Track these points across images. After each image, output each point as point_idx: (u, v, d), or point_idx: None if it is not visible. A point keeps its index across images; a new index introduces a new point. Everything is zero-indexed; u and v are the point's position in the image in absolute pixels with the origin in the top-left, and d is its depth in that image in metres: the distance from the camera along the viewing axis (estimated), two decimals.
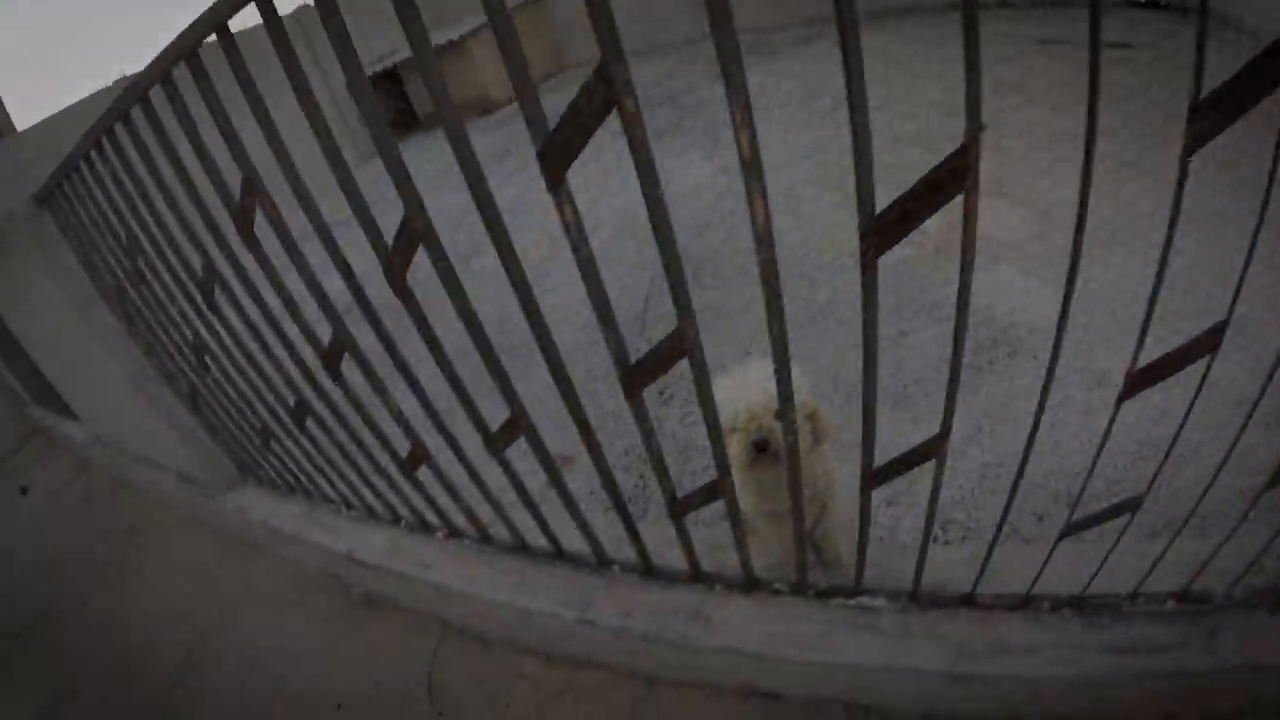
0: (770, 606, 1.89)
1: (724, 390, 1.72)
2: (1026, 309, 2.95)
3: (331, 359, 1.92)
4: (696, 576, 2.04)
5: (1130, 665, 1.36)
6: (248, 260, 1.81)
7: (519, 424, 1.73)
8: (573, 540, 2.21)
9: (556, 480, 1.87)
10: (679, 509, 1.81)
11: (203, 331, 2.47)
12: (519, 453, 1.90)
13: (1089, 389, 2.34)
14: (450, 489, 2.25)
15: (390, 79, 11.94)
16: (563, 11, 11.86)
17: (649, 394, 1.84)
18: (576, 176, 1.10)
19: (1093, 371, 2.41)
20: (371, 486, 2.55)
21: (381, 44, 11.49)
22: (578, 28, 11.69)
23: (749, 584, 1.95)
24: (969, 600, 1.60)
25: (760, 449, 1.72)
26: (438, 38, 10.82)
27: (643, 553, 2.07)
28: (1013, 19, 6.45)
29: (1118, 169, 3.49)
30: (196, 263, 2.14)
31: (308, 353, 2.01)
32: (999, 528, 1.41)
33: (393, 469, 2.35)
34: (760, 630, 1.79)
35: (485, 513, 2.25)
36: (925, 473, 1.43)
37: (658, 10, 10.47)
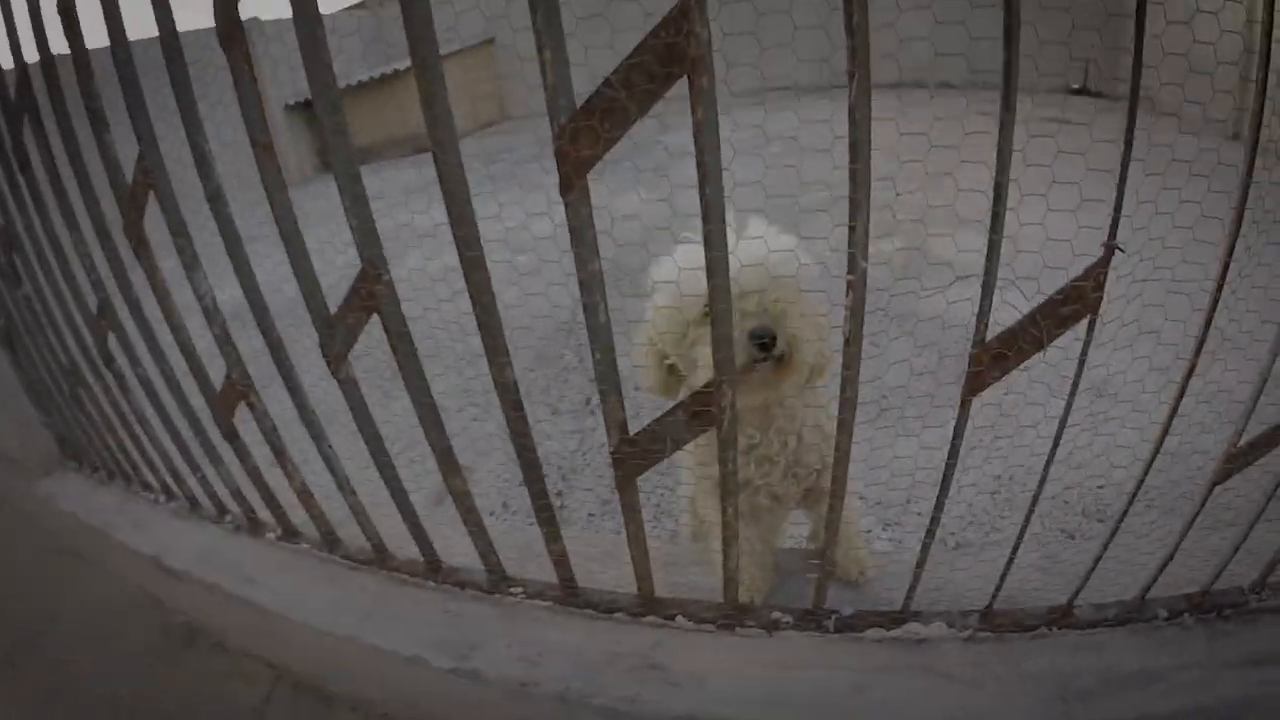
0: (768, 648, 1.18)
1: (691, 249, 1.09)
2: (1007, 323, 2.81)
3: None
4: (648, 603, 1.25)
5: (1273, 679, 1.11)
6: None
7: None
8: (465, 550, 1.42)
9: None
10: (626, 454, 1.04)
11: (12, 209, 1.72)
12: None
13: (1090, 400, 2.45)
14: (279, 452, 1.46)
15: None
16: (506, 62, 11.52)
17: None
18: (506, 191, 1.78)
19: (1090, 381, 2.51)
20: (185, 454, 1.75)
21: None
22: (519, 79, 11.39)
23: (731, 613, 1.17)
24: (1065, 615, 1.21)
25: (763, 346, 1.01)
26: (376, 71, 10.53)
27: (563, 561, 1.28)
28: (951, 97, 6.59)
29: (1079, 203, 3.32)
30: None
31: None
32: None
33: (211, 423, 1.58)
34: (756, 685, 1.20)
35: (339, 509, 1.58)
36: (924, 488, 1.42)
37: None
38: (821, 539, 1.16)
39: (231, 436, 1.57)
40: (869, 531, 2.31)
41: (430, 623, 1.45)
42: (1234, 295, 1.05)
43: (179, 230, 1.31)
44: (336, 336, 1.20)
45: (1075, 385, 1.02)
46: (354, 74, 10.75)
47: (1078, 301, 0.92)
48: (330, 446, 1.43)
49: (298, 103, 10.60)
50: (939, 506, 1.12)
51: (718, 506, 1.13)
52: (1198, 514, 1.14)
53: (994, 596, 1.21)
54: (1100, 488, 2.41)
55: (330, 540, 1.62)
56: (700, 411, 1.00)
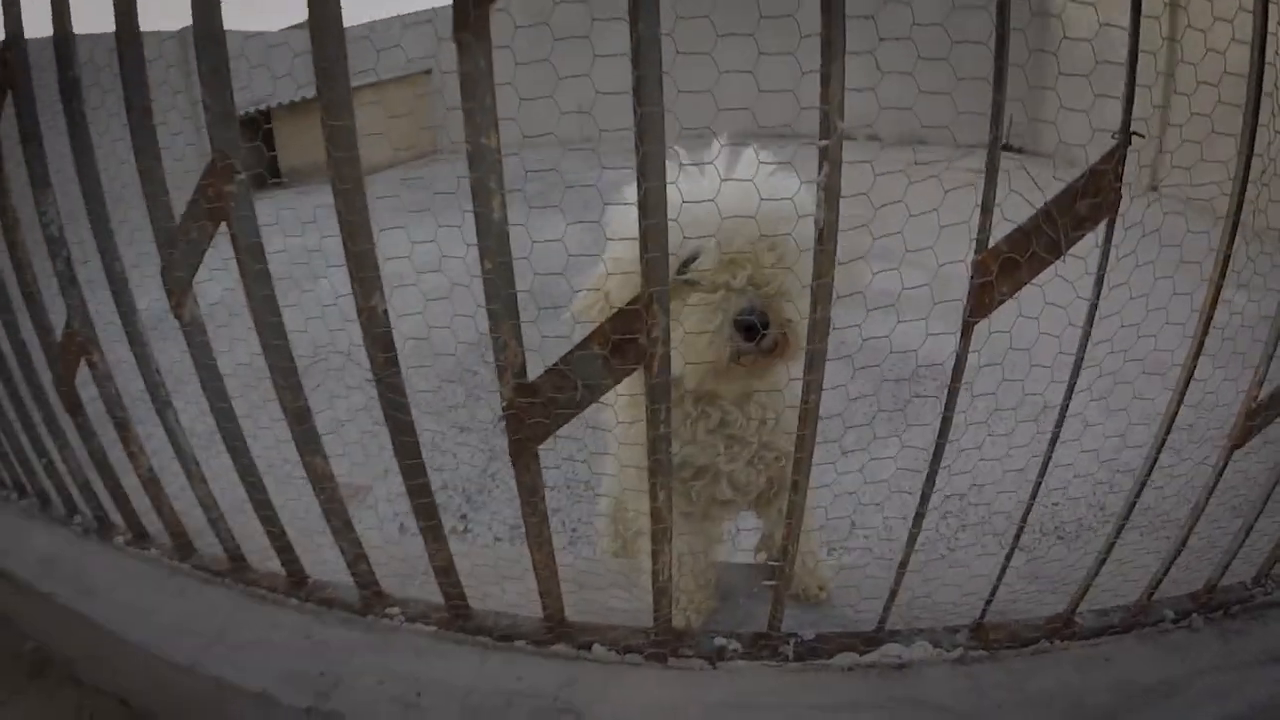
0: (711, 683, 0.94)
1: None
2: (941, 351, 2.98)
3: None
4: (556, 628, 0.96)
5: None
6: None
7: None
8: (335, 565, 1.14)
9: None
10: (522, 408, 0.78)
11: None
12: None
13: (1034, 419, 2.37)
14: (121, 426, 1.18)
15: (256, 125, 10.93)
16: (449, 95, 11.58)
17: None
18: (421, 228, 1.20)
19: (1033, 402, 2.46)
20: (30, 433, 1.46)
21: (263, 86, 10.77)
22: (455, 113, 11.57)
23: (664, 640, 0.89)
24: (1066, 625, 1.08)
25: (751, 332, 0.86)
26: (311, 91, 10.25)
27: (448, 573, 1.00)
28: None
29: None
30: None
31: None
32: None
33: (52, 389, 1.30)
34: None
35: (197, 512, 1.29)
36: (867, 513, 1.58)
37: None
38: (777, 544, 0.89)
39: (74, 408, 1.29)
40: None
41: (288, 650, 1.15)
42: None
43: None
44: (177, 256, 0.94)
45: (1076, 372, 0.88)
46: (292, 93, 10.38)
47: (1096, 195, 0.77)
48: (178, 420, 1.15)
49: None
50: (924, 500, 0.94)
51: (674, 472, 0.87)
52: (1214, 486, 1.04)
53: (986, 605, 1.02)
54: (1055, 504, 2.53)
55: (182, 546, 1.31)
56: (624, 342, 0.74)
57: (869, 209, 0.92)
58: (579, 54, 1.01)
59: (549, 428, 0.81)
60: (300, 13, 0.80)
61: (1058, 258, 0.79)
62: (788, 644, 0.99)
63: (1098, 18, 1.02)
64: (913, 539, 0.94)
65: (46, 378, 1.36)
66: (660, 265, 0.74)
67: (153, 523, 1.41)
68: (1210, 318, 0.90)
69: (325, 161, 0.80)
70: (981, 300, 0.80)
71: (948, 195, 0.99)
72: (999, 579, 1.02)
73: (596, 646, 1.00)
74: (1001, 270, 0.79)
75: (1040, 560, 1.38)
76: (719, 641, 1.00)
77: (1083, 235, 0.79)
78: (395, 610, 1.11)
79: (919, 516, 0.98)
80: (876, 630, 1.02)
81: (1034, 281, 0.82)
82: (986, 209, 0.79)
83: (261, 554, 1.28)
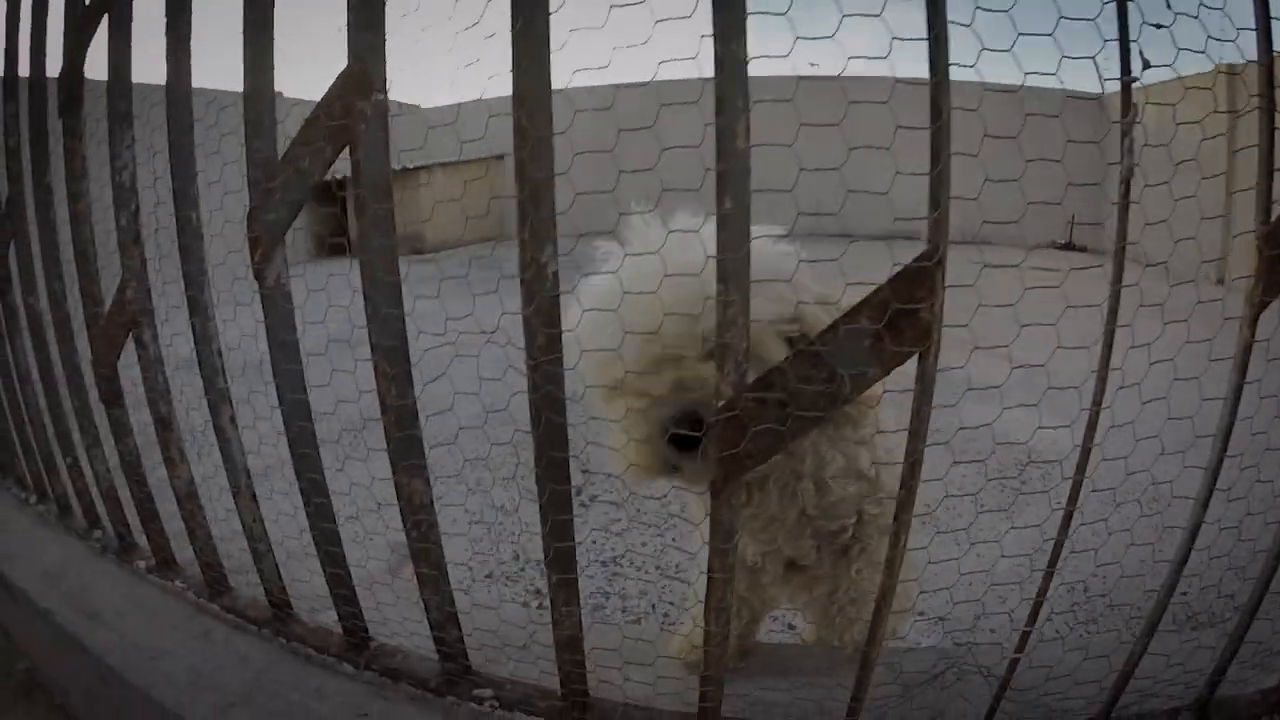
0: None
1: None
2: (1042, 438, 3.04)
3: None
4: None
5: None
6: None
7: None
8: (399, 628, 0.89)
9: None
10: (748, 409, 0.52)
11: None
12: None
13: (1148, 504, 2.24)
14: (164, 424, 0.95)
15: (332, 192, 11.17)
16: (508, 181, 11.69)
17: None
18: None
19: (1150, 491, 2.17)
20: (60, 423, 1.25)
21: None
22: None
23: None
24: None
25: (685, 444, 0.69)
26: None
27: (571, 647, 0.73)
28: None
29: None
30: None
31: None
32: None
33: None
34: None
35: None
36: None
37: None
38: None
39: (112, 397, 1.07)
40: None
41: None
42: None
43: None
44: (274, 193, 0.72)
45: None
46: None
47: None
48: (234, 421, 0.92)
49: None
50: (1042, 592, 0.64)
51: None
52: None
53: (1216, 679, 0.83)
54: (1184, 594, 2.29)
55: (214, 581, 1.06)
56: (906, 314, 0.49)
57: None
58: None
59: (778, 443, 0.55)
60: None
61: None
62: None
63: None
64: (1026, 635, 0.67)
65: (86, 359, 1.15)
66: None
67: (184, 549, 1.17)
68: None
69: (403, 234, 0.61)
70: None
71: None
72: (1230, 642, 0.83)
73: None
74: None
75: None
76: None
77: None
78: (487, 693, 0.83)
79: (1036, 609, 0.79)
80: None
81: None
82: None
83: (310, 602, 1.03)
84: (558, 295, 0.61)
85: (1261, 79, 0.73)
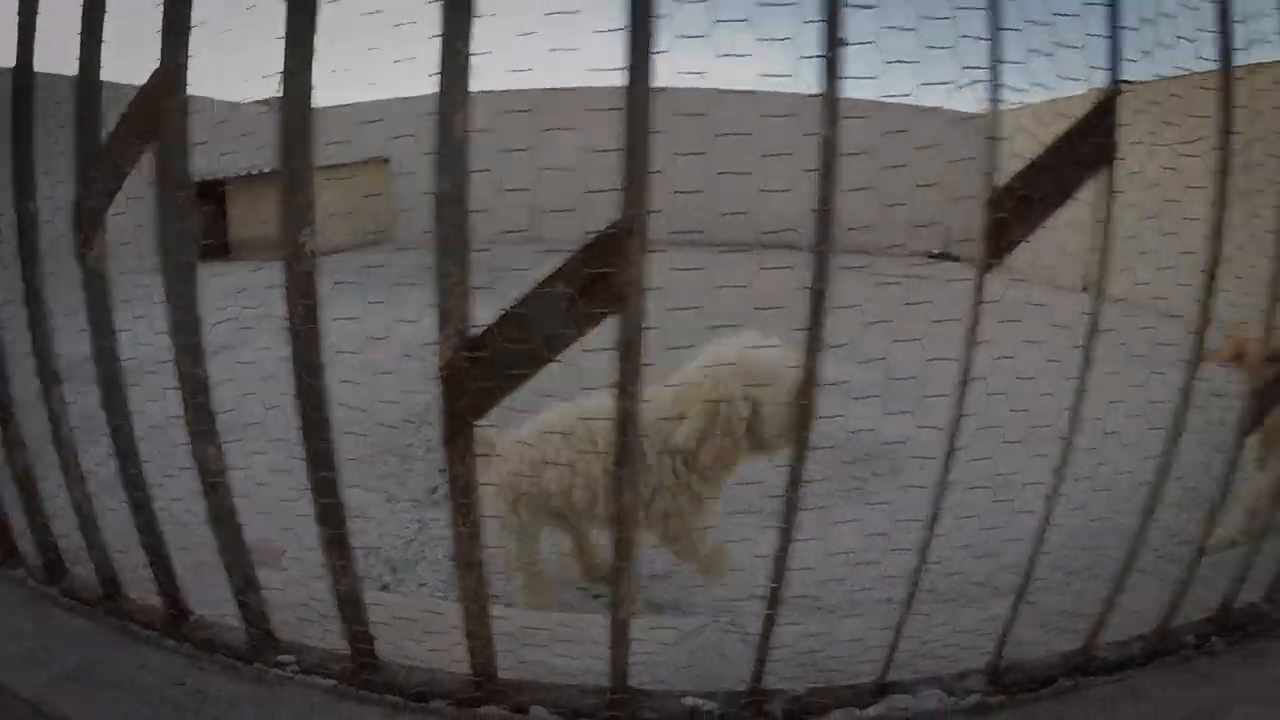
0: None
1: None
2: (889, 432, 3.17)
3: None
4: (485, 687, 0.76)
5: None
6: None
7: None
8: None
9: None
10: (462, 367, 0.61)
11: None
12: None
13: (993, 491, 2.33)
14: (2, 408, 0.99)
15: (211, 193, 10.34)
16: (404, 186, 11.26)
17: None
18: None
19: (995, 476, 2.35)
20: None
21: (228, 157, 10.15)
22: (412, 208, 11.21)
23: (619, 702, 0.72)
24: (1087, 659, 1.00)
25: None
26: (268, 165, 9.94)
27: (353, 604, 0.80)
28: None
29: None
30: None
31: None
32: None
33: None
34: None
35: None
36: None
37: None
38: None
39: None
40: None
41: (155, 697, 0.92)
42: None
43: None
44: (95, 180, 0.78)
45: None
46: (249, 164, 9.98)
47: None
48: (63, 402, 0.96)
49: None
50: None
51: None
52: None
53: (1001, 644, 0.93)
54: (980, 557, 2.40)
55: (51, 565, 1.09)
56: (598, 278, 0.58)
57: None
58: None
59: (494, 395, 0.63)
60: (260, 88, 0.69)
61: (1067, 199, 0.76)
62: (774, 701, 0.79)
63: None
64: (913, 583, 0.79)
65: None
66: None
67: (29, 544, 1.20)
68: None
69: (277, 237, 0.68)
70: (1000, 242, 0.76)
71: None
72: (1013, 612, 0.94)
73: (536, 709, 0.78)
74: (1019, 207, 0.74)
75: (1042, 608, 1.29)
76: (690, 702, 0.79)
77: (1089, 177, 0.76)
78: (288, 658, 0.89)
79: (920, 562, 0.92)
80: (879, 681, 0.86)
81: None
82: None
83: (145, 585, 1.07)
84: (313, 271, 0.68)
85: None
